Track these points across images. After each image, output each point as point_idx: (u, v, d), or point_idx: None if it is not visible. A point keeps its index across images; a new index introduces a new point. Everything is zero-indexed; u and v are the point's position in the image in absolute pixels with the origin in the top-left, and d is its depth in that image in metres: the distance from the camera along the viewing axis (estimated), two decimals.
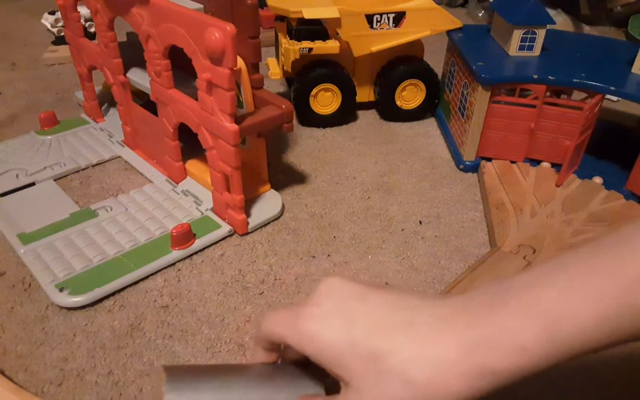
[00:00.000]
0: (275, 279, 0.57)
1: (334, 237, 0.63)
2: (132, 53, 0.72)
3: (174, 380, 0.33)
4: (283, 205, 0.67)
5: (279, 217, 0.66)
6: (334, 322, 0.31)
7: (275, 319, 0.34)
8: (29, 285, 0.55)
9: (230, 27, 0.50)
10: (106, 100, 0.89)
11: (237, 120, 0.56)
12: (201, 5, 0.67)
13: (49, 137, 0.80)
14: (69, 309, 0.52)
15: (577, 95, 0.72)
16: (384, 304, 0.31)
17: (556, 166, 0.72)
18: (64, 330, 0.50)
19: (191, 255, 0.59)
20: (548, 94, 0.71)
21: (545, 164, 0.73)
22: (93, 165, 0.75)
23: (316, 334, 0.31)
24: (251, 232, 0.63)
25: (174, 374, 0.33)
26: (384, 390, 0.29)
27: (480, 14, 1.45)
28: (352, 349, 0.30)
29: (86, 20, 1.07)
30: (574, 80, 0.68)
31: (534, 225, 0.62)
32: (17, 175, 0.70)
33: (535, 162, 0.74)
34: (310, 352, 0.31)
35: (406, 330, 0.29)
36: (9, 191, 0.67)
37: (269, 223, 0.65)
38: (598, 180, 0.70)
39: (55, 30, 1.16)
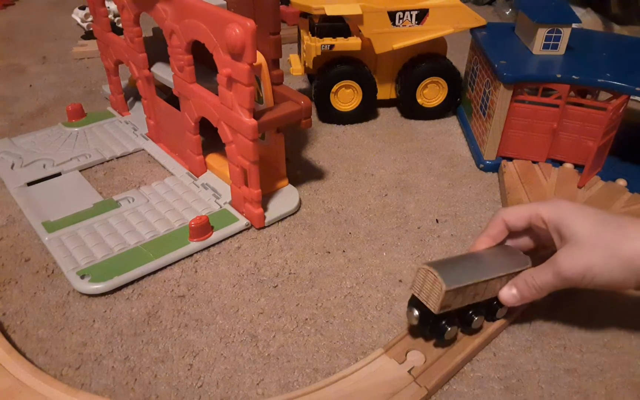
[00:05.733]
0: (289, 273, 0.57)
1: (350, 233, 0.63)
2: (157, 48, 0.73)
3: (436, 264, 0.45)
4: (300, 201, 0.68)
5: (295, 212, 0.66)
6: (576, 203, 0.47)
7: (522, 206, 0.49)
8: (52, 272, 0.57)
9: (250, 23, 0.51)
10: (132, 94, 0.91)
11: (256, 115, 0.57)
12: (224, 2, 0.68)
13: (76, 129, 0.82)
14: (89, 295, 0.54)
15: (604, 95, 0.70)
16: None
17: (579, 167, 0.71)
18: (84, 316, 0.52)
19: (208, 247, 0.60)
20: (572, 93, 0.69)
21: (568, 165, 0.72)
22: (117, 158, 0.77)
23: (562, 205, 0.46)
24: (268, 226, 0.64)
25: (434, 263, 0.45)
26: (604, 242, 0.43)
27: (507, 12, 1.43)
28: (585, 214, 0.45)
29: (115, 16, 1.10)
30: (599, 80, 0.66)
31: None
32: (44, 165, 0.72)
33: (558, 163, 0.73)
34: (554, 216, 0.46)
35: (633, 221, 0.44)
36: (36, 180, 0.70)
37: (285, 218, 0.65)
38: (622, 182, 0.68)
39: (85, 25, 1.18)
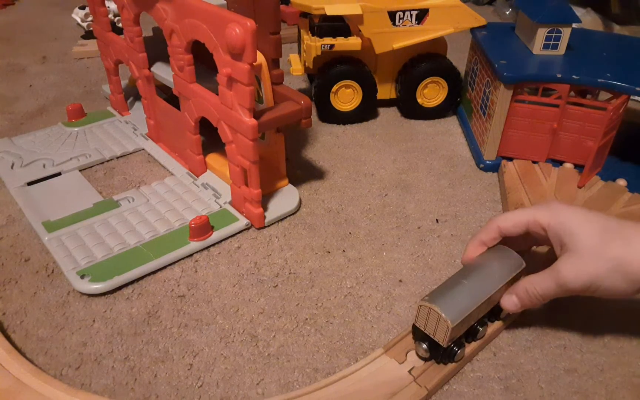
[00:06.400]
0: (289, 273, 0.57)
1: (350, 233, 0.63)
2: (157, 48, 0.73)
3: (436, 298, 0.44)
4: (300, 201, 0.68)
5: (295, 212, 0.66)
6: (577, 209, 0.45)
7: (519, 212, 0.48)
8: (52, 272, 0.57)
9: (250, 23, 0.51)
10: (132, 94, 0.91)
11: (256, 115, 0.57)
12: (224, 2, 0.68)
13: (76, 128, 0.82)
14: (90, 295, 0.54)
15: (604, 95, 0.70)
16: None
17: (579, 167, 0.71)
18: (84, 316, 0.52)
19: (208, 247, 0.60)
20: (572, 93, 0.69)
21: (568, 165, 0.72)
22: (117, 157, 0.77)
23: (563, 211, 0.45)
24: (268, 226, 0.64)
25: (433, 296, 0.44)
26: (608, 254, 0.42)
27: (507, 12, 1.43)
28: (588, 222, 0.44)
29: (115, 16, 1.10)
30: (599, 80, 0.66)
31: None
32: (44, 165, 0.72)
33: (558, 163, 0.73)
34: (554, 223, 0.45)
35: (636, 229, 0.43)
36: (36, 180, 0.70)
37: (285, 218, 0.65)
38: (622, 182, 0.68)
39: (85, 24, 1.18)
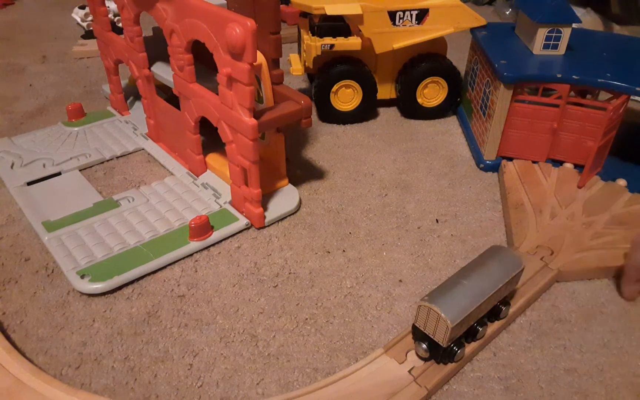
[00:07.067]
0: (289, 273, 0.57)
1: (350, 233, 0.63)
2: (157, 48, 0.73)
3: (436, 298, 0.44)
4: (300, 200, 0.68)
5: (295, 211, 0.66)
6: None
7: None
8: (52, 272, 0.56)
9: (250, 23, 0.51)
10: (132, 93, 0.91)
11: (256, 115, 0.57)
12: (224, 1, 0.68)
13: (76, 128, 0.82)
14: (89, 295, 0.54)
15: (604, 95, 0.70)
16: None
17: (579, 167, 0.71)
18: (84, 316, 0.52)
19: (208, 246, 0.60)
20: (572, 93, 0.69)
21: (568, 165, 0.72)
22: (117, 157, 0.77)
23: None
24: (268, 225, 0.64)
25: (433, 297, 0.44)
26: None
27: (507, 12, 1.43)
28: None
29: (115, 15, 1.10)
30: (599, 80, 0.66)
31: (553, 226, 0.61)
32: (44, 165, 0.72)
33: (558, 163, 0.73)
34: None
35: None
36: (36, 180, 0.70)
37: (285, 217, 0.65)
38: (622, 182, 0.68)
39: (85, 24, 1.18)
